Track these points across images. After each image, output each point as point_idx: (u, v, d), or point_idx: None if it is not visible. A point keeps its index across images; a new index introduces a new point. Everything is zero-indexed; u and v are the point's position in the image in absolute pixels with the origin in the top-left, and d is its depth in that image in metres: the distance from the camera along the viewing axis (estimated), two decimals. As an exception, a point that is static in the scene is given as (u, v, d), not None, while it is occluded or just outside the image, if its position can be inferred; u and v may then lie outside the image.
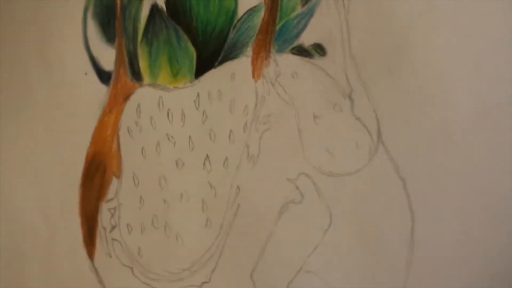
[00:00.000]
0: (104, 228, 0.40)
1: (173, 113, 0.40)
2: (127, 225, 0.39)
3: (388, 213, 0.31)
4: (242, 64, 0.36)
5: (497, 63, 0.27)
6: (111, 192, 0.42)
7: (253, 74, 0.36)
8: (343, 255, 0.33)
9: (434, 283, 0.30)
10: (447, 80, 0.29)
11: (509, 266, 0.28)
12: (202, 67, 0.38)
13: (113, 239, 0.39)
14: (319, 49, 0.33)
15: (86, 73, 0.43)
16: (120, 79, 0.42)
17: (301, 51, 0.34)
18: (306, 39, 0.33)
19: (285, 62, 0.34)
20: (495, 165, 0.28)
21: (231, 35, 0.36)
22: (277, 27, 0.34)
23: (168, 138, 0.40)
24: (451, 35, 0.29)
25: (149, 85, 0.40)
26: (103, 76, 0.42)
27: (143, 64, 0.40)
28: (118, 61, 0.41)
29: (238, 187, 0.37)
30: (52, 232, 0.44)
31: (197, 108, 0.38)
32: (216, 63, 0.37)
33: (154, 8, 0.39)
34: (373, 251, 0.32)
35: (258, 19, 0.35)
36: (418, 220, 0.30)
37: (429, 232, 0.30)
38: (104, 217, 0.40)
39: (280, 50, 0.34)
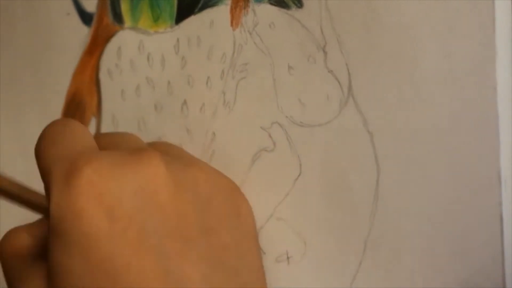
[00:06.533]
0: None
1: (153, 58, 0.40)
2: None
3: (355, 165, 0.32)
4: (221, 12, 0.36)
5: (469, 26, 0.28)
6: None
7: (232, 22, 0.36)
8: (311, 205, 0.33)
9: (396, 234, 0.31)
10: (418, 40, 0.29)
11: (468, 222, 0.29)
12: (183, 13, 0.38)
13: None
14: (296, 1, 0.33)
15: (68, 13, 0.43)
16: (101, 21, 0.42)
17: (279, 2, 0.33)
18: (284, -10, 0.33)
19: (263, 12, 0.34)
20: (460, 123, 0.28)
21: (211, -18, 0.36)
22: (257, -23, 0.34)
23: (148, 82, 0.40)
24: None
25: (130, 28, 0.40)
26: (85, 17, 0.42)
27: (124, 7, 0.40)
28: (100, 3, 0.41)
29: (213, 133, 0.37)
30: (31, 175, 0.44)
31: (176, 53, 0.38)
32: (196, 10, 0.37)
33: (138, -49, 0.39)
34: (339, 201, 0.32)
35: (238, -33, 0.35)
36: (383, 173, 0.31)
37: (393, 185, 0.31)
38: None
39: (258, 0, 0.34)
